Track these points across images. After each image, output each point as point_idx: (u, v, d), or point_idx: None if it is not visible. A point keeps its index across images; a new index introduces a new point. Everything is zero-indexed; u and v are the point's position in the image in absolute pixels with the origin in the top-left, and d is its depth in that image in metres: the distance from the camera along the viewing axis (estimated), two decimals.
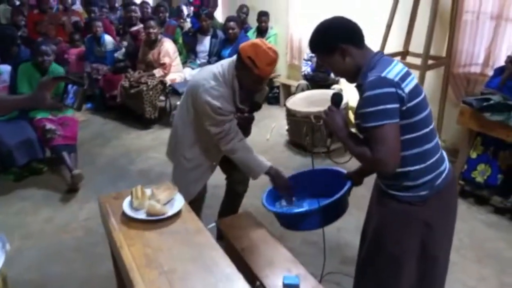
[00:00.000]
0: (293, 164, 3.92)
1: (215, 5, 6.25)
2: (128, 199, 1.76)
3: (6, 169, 3.54)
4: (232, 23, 4.79)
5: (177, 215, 1.72)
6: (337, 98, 1.63)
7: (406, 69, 1.47)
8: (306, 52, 4.75)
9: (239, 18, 5.29)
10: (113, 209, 1.77)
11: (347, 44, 1.48)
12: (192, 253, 1.51)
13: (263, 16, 5.37)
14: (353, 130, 1.60)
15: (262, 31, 5.45)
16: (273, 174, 2.22)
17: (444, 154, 1.60)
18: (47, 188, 3.46)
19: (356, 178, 1.91)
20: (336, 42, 1.48)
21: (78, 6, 6.83)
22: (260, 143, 4.34)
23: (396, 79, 1.39)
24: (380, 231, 1.62)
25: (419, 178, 1.49)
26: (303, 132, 4.04)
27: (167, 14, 5.77)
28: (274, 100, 5.50)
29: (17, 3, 6.45)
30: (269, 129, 4.62)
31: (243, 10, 5.70)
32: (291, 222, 1.98)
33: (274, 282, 1.77)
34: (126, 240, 1.57)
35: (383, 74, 1.39)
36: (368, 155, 1.43)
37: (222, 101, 2.08)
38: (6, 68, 3.60)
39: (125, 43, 5.27)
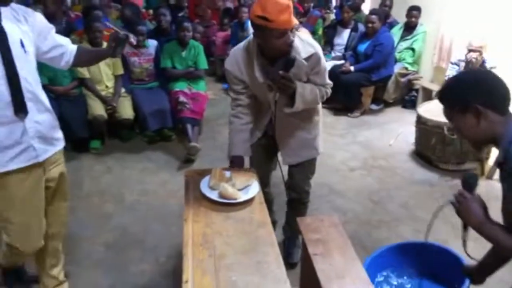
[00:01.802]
0: (412, 177, 3.54)
1: None
2: (207, 177, 1.80)
3: (142, 131, 4.03)
4: (373, 17, 4.48)
5: (247, 202, 1.70)
6: (470, 181, 1.33)
7: None
8: (455, 54, 4.17)
9: (383, 11, 4.91)
10: (194, 184, 1.84)
11: (486, 106, 1.21)
12: (248, 245, 1.47)
13: (413, 11, 4.88)
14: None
15: (410, 27, 4.97)
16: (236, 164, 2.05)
17: None
18: (170, 154, 3.83)
19: (477, 275, 1.57)
20: (473, 101, 1.22)
21: None
22: (380, 147, 4.03)
23: None
24: None
25: None
26: (432, 144, 3.59)
27: (312, 4, 5.73)
28: (410, 104, 5.00)
29: None
30: (395, 134, 4.24)
31: (386, 3, 5.25)
32: None
33: None
34: (193, 216, 1.62)
35: None
36: None
37: (233, 63, 2.04)
38: (153, 42, 4.07)
39: None
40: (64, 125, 3.50)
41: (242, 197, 1.70)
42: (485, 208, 1.30)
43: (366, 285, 1.69)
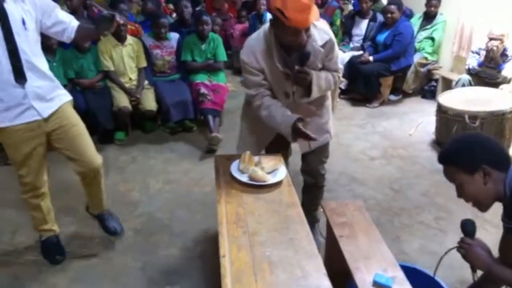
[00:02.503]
0: (433, 166, 3.53)
1: None
2: (237, 161, 1.87)
3: (165, 122, 4.12)
4: (392, 7, 4.48)
5: (276, 185, 1.76)
6: (469, 228, 1.43)
7: None
8: (476, 43, 4.15)
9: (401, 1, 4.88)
10: (224, 168, 1.91)
11: (491, 166, 1.30)
12: (279, 223, 1.53)
13: (433, 0, 4.85)
14: None
15: (429, 17, 4.95)
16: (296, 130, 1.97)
17: None
18: (192, 145, 3.91)
19: None
20: (482, 162, 1.30)
21: None
22: (400, 137, 4.04)
23: None
24: None
25: None
26: (453, 133, 3.59)
27: None
28: (429, 94, 4.98)
29: None
30: (415, 124, 4.24)
31: None
32: None
33: (364, 276, 1.66)
34: (225, 197, 1.69)
35: None
36: None
37: (249, 54, 1.98)
38: (175, 35, 4.15)
39: None
40: (91, 117, 3.66)
41: (271, 179, 1.76)
42: (488, 251, 1.38)
43: (391, 265, 1.74)
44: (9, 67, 1.93)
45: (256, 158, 1.88)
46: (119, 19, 2.11)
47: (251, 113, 2.20)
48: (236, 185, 1.77)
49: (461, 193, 1.40)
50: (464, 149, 1.34)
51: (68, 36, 2.15)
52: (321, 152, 2.37)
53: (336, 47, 2.10)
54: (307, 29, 1.87)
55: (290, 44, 1.90)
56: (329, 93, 2.34)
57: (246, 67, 2.01)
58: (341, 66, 2.20)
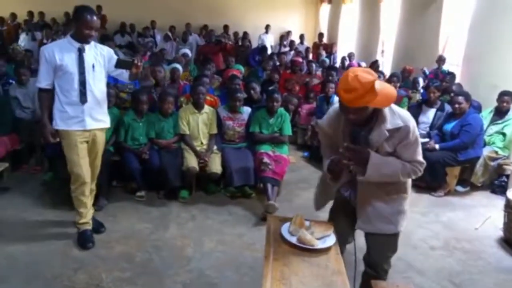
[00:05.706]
0: (499, 264, 3.30)
1: (451, 81, 5.99)
2: (288, 223, 1.96)
3: (226, 186, 4.34)
4: (460, 98, 4.51)
5: (324, 251, 1.80)
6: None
7: None
8: None
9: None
10: (275, 227, 2.01)
11: None
12: (322, 287, 1.56)
13: (505, 96, 4.81)
14: None
15: (501, 112, 4.87)
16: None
17: None
18: (249, 210, 4.05)
19: None
20: None
21: (320, 71, 7.86)
22: (465, 230, 3.84)
23: None
24: None
25: None
26: None
27: (398, 85, 5.94)
28: (500, 190, 4.73)
29: (277, 63, 7.96)
30: (482, 218, 4.02)
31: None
32: None
33: None
34: (273, 254, 1.77)
35: None
36: None
37: (324, 118, 2.26)
38: (247, 109, 4.52)
39: None
40: (163, 174, 4.01)
41: (319, 245, 1.82)
42: None
43: None
44: (78, 92, 2.98)
45: (307, 223, 1.96)
46: (137, 61, 2.99)
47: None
48: (285, 245, 1.85)
49: None
50: None
51: (125, 77, 3.20)
52: (385, 243, 2.23)
53: (414, 136, 2.00)
54: (360, 110, 1.91)
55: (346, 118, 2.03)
56: (408, 186, 2.21)
57: (319, 125, 2.32)
58: (422, 160, 2.07)
